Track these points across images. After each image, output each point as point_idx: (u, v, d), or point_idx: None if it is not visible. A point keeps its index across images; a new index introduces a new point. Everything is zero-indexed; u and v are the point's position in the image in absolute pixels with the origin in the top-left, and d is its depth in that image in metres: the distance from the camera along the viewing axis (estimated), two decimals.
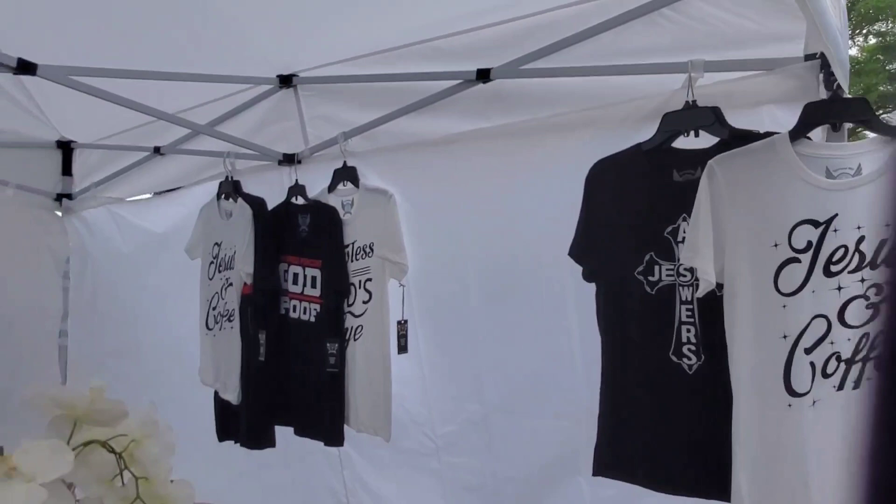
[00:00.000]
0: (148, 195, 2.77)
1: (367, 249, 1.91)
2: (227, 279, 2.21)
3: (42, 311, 2.90)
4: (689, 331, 1.39)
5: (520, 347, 1.81)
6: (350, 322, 1.94)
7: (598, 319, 1.52)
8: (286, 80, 2.09)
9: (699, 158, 1.36)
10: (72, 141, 2.88)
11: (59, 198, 2.97)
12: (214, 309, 2.28)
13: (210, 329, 2.29)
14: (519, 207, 1.77)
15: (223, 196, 2.23)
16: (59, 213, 3.01)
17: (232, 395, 2.17)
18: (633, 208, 1.47)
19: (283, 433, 2.13)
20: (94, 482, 0.97)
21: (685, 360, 1.39)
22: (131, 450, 0.99)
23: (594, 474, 1.49)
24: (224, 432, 2.26)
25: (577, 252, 1.55)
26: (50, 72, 1.54)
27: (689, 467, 1.38)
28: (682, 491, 1.40)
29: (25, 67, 1.47)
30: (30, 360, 2.78)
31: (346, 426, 1.97)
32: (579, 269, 1.55)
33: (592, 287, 1.53)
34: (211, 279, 2.29)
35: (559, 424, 1.75)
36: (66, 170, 2.95)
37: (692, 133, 1.42)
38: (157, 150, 2.56)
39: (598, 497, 1.66)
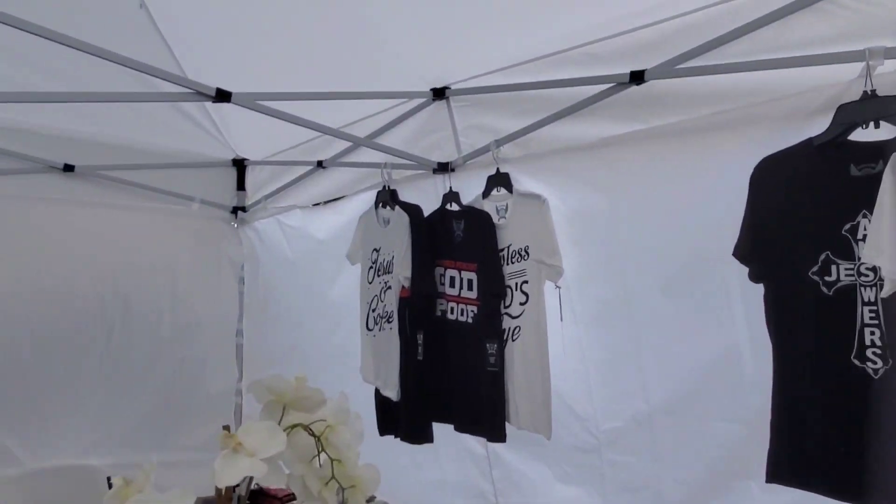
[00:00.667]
0: (312, 205, 2.99)
1: (523, 253, 1.96)
2: (385, 283, 2.35)
3: (222, 313, 3.22)
4: (873, 333, 1.31)
5: (685, 347, 1.79)
6: (507, 323, 2.00)
7: (766, 321, 1.47)
8: (439, 93, 2.20)
9: (881, 151, 1.29)
10: (245, 159, 3.18)
11: (235, 210, 3.30)
12: (374, 311, 2.42)
13: (370, 330, 2.44)
14: (679, 207, 1.74)
15: (381, 204, 2.37)
16: (235, 225, 3.33)
17: (392, 392, 2.29)
18: (805, 206, 1.41)
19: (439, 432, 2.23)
20: (298, 461, 1.09)
21: (869, 364, 1.31)
22: (327, 434, 1.10)
23: (768, 481, 1.44)
24: (384, 427, 2.39)
25: (742, 253, 1.51)
26: (241, 99, 1.73)
27: (871, 476, 1.30)
28: (861, 500, 1.32)
29: (222, 96, 1.66)
30: (214, 356, 3.09)
31: (507, 423, 2.02)
32: (745, 268, 1.51)
33: (760, 287, 1.49)
34: (370, 283, 2.43)
35: (727, 427, 1.70)
36: (241, 185, 3.26)
37: (871, 125, 1.34)
38: (319, 163, 2.76)
39: (767, 497, 1.59)
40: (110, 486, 1.09)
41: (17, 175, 2.61)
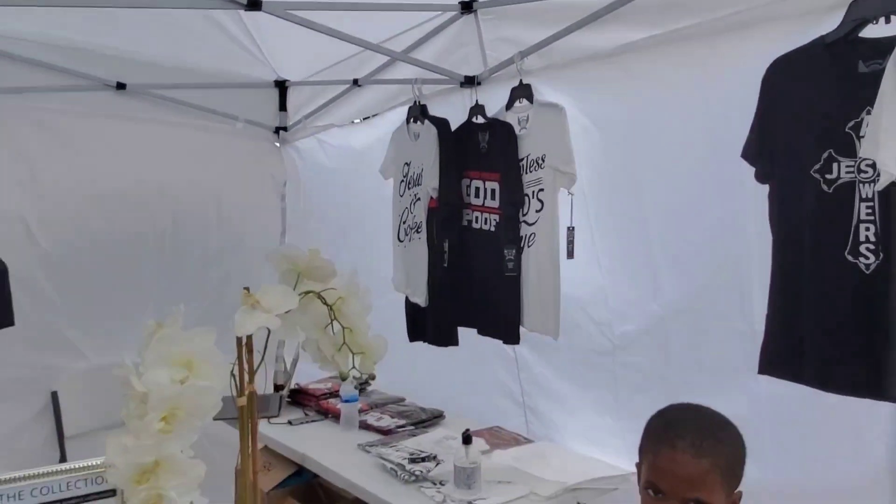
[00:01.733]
0: (348, 123, 3.10)
1: (540, 161, 2.02)
2: (415, 195, 2.45)
3: (265, 228, 3.40)
4: (867, 229, 1.34)
5: (697, 252, 1.84)
6: (524, 230, 2.08)
7: (769, 220, 1.51)
8: (467, 6, 2.23)
9: (889, 46, 1.29)
10: (286, 80, 3.28)
11: (277, 130, 3.43)
12: (404, 223, 2.53)
13: (401, 241, 2.56)
14: (694, 112, 1.77)
15: (412, 119, 2.45)
16: (277, 144, 3.47)
17: (420, 299, 2.43)
18: (812, 105, 1.43)
19: (467, 337, 2.36)
20: (313, 327, 1.21)
21: (862, 259, 1.35)
22: (339, 305, 1.22)
23: (759, 372, 1.52)
24: (414, 333, 2.54)
25: (750, 152, 1.54)
26: (272, 7, 1.81)
27: (860, 367, 1.36)
28: (851, 391, 1.38)
29: (253, 4, 1.75)
30: (255, 269, 3.28)
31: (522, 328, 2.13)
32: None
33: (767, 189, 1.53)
34: (401, 196, 2.54)
35: (734, 328, 1.76)
36: (282, 106, 3.38)
37: (882, 20, 1.34)
38: (355, 82, 2.85)
39: (774, 395, 1.66)
40: None
41: (75, 92, 2.79)
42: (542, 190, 2.01)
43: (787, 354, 1.47)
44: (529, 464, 2.12)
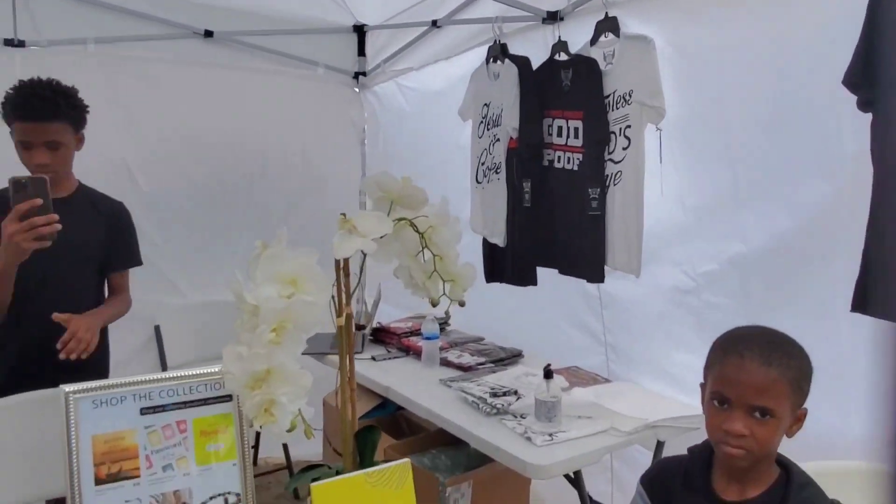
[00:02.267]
0: (427, 65, 3.10)
1: (627, 97, 1.98)
2: (494, 136, 2.45)
3: (346, 174, 3.48)
4: None
5: (786, 189, 1.78)
6: (610, 169, 2.06)
7: (871, 153, 1.45)
8: None
9: None
10: (364, 24, 3.30)
11: (356, 76, 3.46)
12: (483, 164, 2.54)
13: (479, 182, 2.58)
14: (790, 41, 1.69)
15: (491, 59, 2.43)
16: (356, 90, 3.51)
17: (499, 239, 2.45)
18: None
19: (545, 276, 2.38)
20: (405, 254, 1.26)
21: None
22: (429, 234, 1.25)
23: (852, 310, 1.47)
24: (492, 274, 2.57)
25: (852, 79, 1.46)
26: None
27: None
28: None
29: None
30: (337, 212, 3.37)
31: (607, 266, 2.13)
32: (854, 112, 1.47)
33: (867, 129, 1.45)
34: (480, 137, 2.55)
35: (820, 268, 1.71)
36: (361, 51, 3.41)
37: None
38: (434, 23, 2.83)
39: (857, 337, 1.61)
40: None
41: (165, 40, 2.90)
42: (628, 127, 1.98)
43: (882, 292, 1.42)
44: (610, 400, 2.14)
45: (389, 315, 3.04)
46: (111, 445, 0.93)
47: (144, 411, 0.95)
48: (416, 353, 2.66)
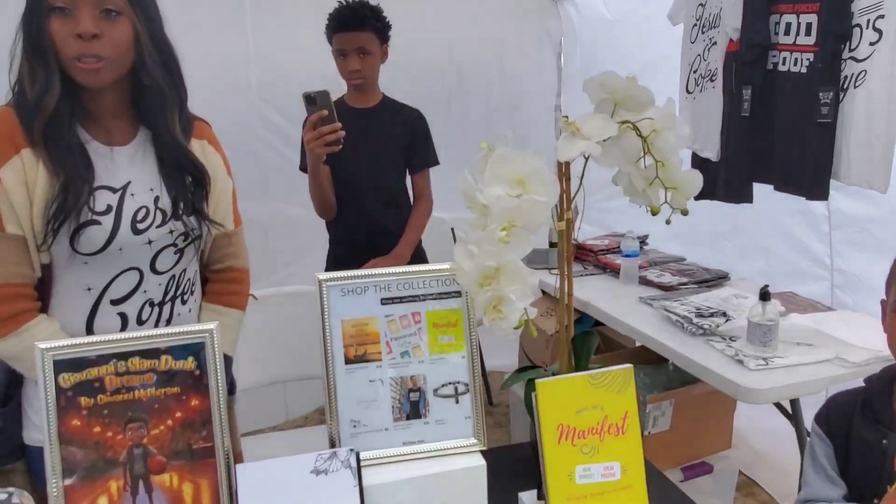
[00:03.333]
0: None
1: None
2: (710, 39, 2.25)
3: (542, 89, 3.41)
4: None
5: None
6: (850, 68, 1.81)
7: None
8: None
9: None
10: None
11: None
12: (695, 72, 2.35)
13: (690, 93, 2.40)
14: None
15: None
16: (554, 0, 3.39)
17: (711, 153, 2.28)
18: None
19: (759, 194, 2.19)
20: (625, 161, 1.21)
21: None
22: (652, 139, 1.19)
23: None
24: (701, 192, 2.41)
25: None
26: None
27: None
28: None
29: None
30: (532, 127, 3.34)
31: (832, 180, 1.91)
32: None
33: None
34: (693, 42, 2.35)
35: None
36: None
37: None
38: None
39: None
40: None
41: None
42: (881, 17, 1.71)
43: None
44: (834, 328, 1.96)
45: (584, 233, 3.00)
46: (357, 329, 1.02)
47: (384, 301, 1.03)
48: (613, 271, 2.61)
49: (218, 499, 0.97)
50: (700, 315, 2.06)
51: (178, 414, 0.96)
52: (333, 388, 1.01)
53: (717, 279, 2.46)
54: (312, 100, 1.86)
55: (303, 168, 2.24)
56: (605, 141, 1.13)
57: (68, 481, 0.92)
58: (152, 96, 1.21)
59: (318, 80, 2.93)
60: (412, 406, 1.03)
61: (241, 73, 2.81)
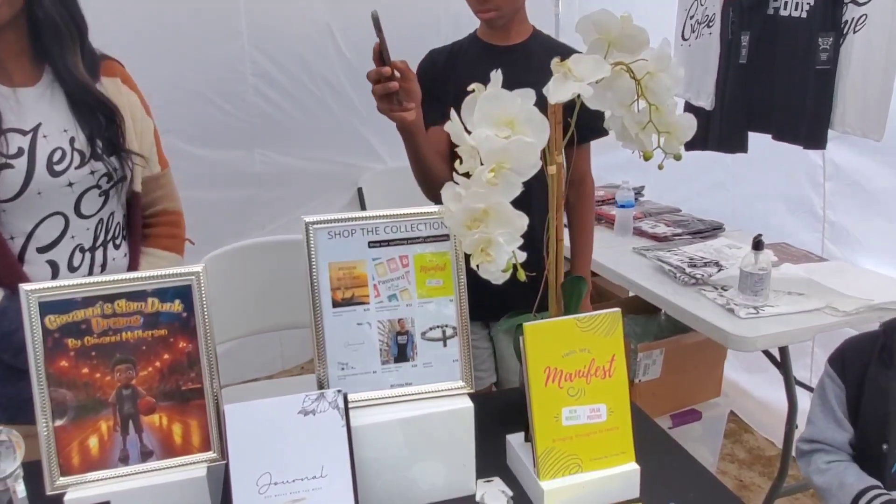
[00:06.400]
0: None
1: None
2: None
3: None
4: None
5: None
6: (851, 13, 1.77)
7: None
8: None
9: None
10: None
11: None
12: (692, 17, 2.30)
13: (685, 39, 2.35)
14: None
15: None
16: None
17: (706, 102, 2.25)
18: None
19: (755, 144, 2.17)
20: (618, 105, 1.19)
21: None
22: (646, 81, 1.17)
23: None
24: (692, 141, 2.38)
25: None
26: None
27: None
28: None
29: None
30: None
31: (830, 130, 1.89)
32: None
33: None
34: None
35: None
36: None
37: None
38: None
39: None
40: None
41: None
42: None
43: None
44: (825, 278, 1.97)
45: None
46: (344, 272, 1.01)
47: (372, 244, 1.02)
48: (608, 222, 2.60)
49: (208, 438, 0.98)
50: (693, 265, 2.06)
51: (166, 356, 0.97)
52: (321, 331, 1.01)
53: (711, 230, 2.45)
54: (376, 21, 1.22)
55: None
56: (597, 83, 1.11)
57: (59, 422, 0.93)
58: (47, 32, 1.17)
59: (311, 26, 2.90)
60: (400, 349, 1.04)
61: (233, 17, 2.74)
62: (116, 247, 1.31)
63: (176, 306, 0.97)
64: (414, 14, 3.01)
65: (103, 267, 1.27)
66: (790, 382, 1.92)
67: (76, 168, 1.20)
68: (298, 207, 3.00)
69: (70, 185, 1.20)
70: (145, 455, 0.96)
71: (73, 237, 1.23)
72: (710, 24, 2.20)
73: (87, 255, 1.25)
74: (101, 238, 1.27)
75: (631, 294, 2.37)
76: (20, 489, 0.87)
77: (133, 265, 1.34)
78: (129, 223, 1.34)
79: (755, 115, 2.12)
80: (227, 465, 0.92)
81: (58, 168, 1.18)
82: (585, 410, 1.03)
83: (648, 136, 1.21)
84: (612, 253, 2.30)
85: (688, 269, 2.03)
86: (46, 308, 0.93)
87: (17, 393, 1.18)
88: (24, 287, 0.93)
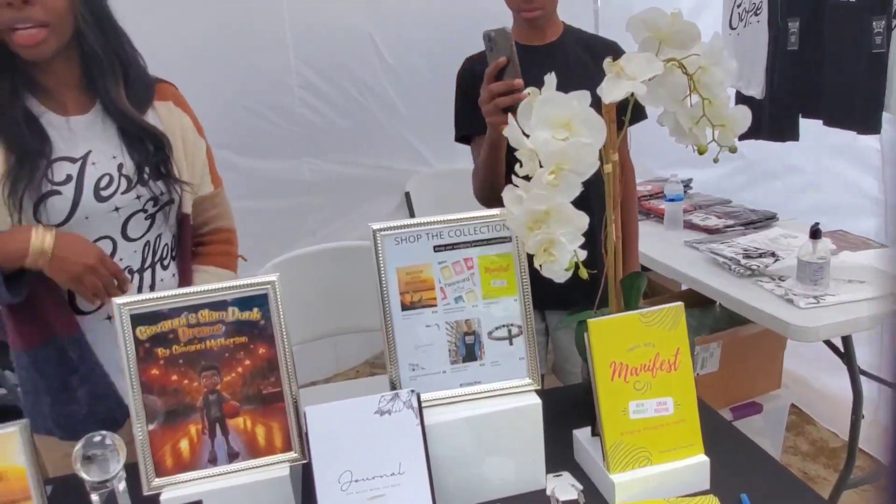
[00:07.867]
0: None
1: None
2: None
3: None
4: None
5: None
6: None
7: None
8: None
9: None
10: None
11: None
12: (739, 6, 2.28)
13: (733, 28, 2.33)
14: None
15: None
16: None
17: (756, 90, 2.23)
18: None
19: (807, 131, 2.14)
20: (671, 100, 1.20)
21: None
22: (698, 76, 1.17)
23: None
24: (743, 133, 2.36)
25: None
26: None
27: None
28: None
29: None
30: None
31: (885, 114, 1.86)
32: None
33: None
34: None
35: None
36: None
37: None
38: None
39: None
40: None
41: None
42: None
43: None
44: (889, 265, 1.93)
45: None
46: (412, 277, 1.05)
47: (437, 248, 1.05)
48: (657, 216, 2.59)
49: (289, 439, 1.03)
50: (748, 256, 2.04)
51: (247, 362, 1.02)
52: (392, 334, 1.05)
53: (764, 220, 2.42)
54: (490, 39, 1.29)
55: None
56: (650, 80, 1.12)
57: (151, 426, 0.99)
58: (91, 64, 1.21)
59: (352, 34, 2.96)
60: (468, 349, 1.07)
61: (279, 31, 2.82)
62: (165, 268, 1.34)
63: (254, 314, 1.02)
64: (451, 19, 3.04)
65: (152, 287, 1.31)
66: (854, 372, 1.89)
67: (122, 193, 1.24)
68: (347, 213, 3.07)
69: (116, 209, 1.24)
70: (232, 456, 1.01)
71: (121, 259, 1.27)
72: (758, 11, 2.18)
73: (136, 276, 1.29)
74: (149, 260, 1.31)
75: (684, 287, 2.36)
76: (122, 488, 0.93)
77: (183, 285, 1.36)
78: (179, 244, 1.38)
79: (807, 102, 2.09)
80: (309, 464, 0.96)
81: (104, 193, 1.22)
82: (652, 404, 1.05)
83: (702, 129, 1.22)
84: (664, 247, 2.29)
85: (743, 261, 2.01)
86: (136, 320, 0.99)
87: (70, 413, 1.27)
88: (117, 301, 0.99)
